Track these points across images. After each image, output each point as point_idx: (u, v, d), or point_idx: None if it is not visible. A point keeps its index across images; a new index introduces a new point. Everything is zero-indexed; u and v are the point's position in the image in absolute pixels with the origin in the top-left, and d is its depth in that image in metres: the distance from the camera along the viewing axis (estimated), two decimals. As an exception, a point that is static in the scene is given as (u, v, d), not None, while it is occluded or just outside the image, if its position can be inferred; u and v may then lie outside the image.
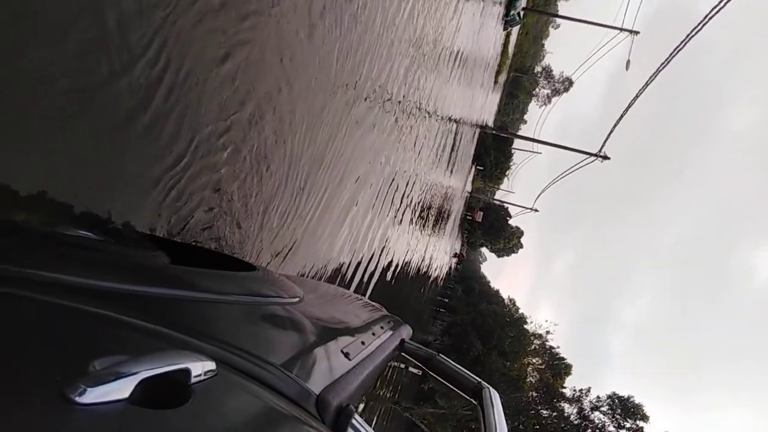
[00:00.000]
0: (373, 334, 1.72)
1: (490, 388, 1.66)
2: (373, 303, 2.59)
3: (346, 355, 1.34)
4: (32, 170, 1.54)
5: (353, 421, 1.05)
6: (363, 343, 1.54)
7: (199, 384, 0.64)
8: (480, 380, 1.73)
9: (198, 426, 0.61)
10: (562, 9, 59.98)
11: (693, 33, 14.04)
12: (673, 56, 15.63)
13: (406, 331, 2.05)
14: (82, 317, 0.76)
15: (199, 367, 0.66)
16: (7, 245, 1.05)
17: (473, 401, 1.66)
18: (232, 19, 2.43)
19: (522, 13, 31.68)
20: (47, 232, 1.55)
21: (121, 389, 0.52)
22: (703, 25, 13.05)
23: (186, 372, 0.63)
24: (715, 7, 12.03)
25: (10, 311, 0.69)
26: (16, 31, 1.42)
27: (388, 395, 15.47)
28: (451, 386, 1.79)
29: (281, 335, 1.35)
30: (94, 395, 0.49)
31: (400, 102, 6.94)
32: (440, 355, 1.89)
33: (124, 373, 0.53)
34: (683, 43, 14.78)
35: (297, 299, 1.54)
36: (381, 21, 5.16)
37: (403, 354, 1.89)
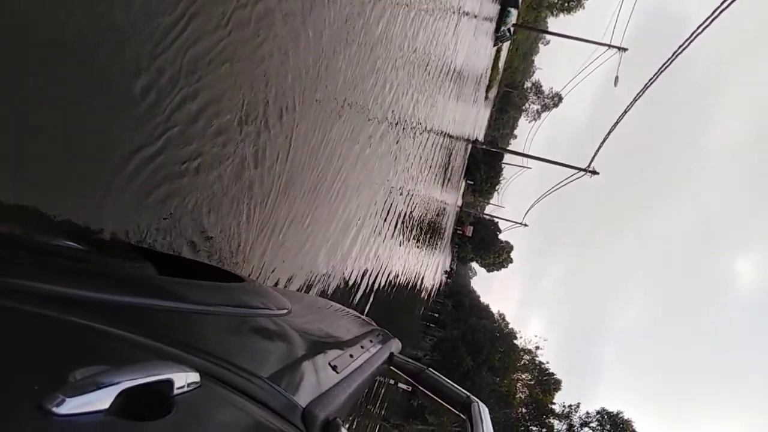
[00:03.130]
0: (362, 347, 1.71)
1: (480, 402, 1.65)
2: (363, 317, 2.57)
3: (334, 368, 1.33)
4: (16, 179, 1.52)
5: None
6: (351, 356, 1.52)
7: (182, 396, 0.63)
8: (469, 394, 1.72)
9: None
10: (552, 25, 60.92)
11: (679, 51, 14.32)
12: (660, 73, 15.93)
13: (395, 345, 2.03)
14: (63, 327, 0.74)
15: (183, 379, 0.64)
16: None
17: (462, 416, 1.64)
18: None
19: (512, 29, 32.12)
20: (28, 242, 1.52)
21: (100, 400, 0.50)
22: (690, 42, 13.31)
23: (169, 383, 0.61)
24: (701, 25, 12.29)
25: None
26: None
27: (376, 412, 15.31)
28: (439, 400, 1.77)
29: (268, 347, 1.34)
30: (72, 405, 0.48)
31: (399, 121, 7.01)
32: (429, 369, 1.88)
33: (105, 384, 0.52)
34: (669, 61, 15.06)
35: (285, 311, 1.52)
36: (385, 43, 5.27)
37: (391, 368, 1.88)
